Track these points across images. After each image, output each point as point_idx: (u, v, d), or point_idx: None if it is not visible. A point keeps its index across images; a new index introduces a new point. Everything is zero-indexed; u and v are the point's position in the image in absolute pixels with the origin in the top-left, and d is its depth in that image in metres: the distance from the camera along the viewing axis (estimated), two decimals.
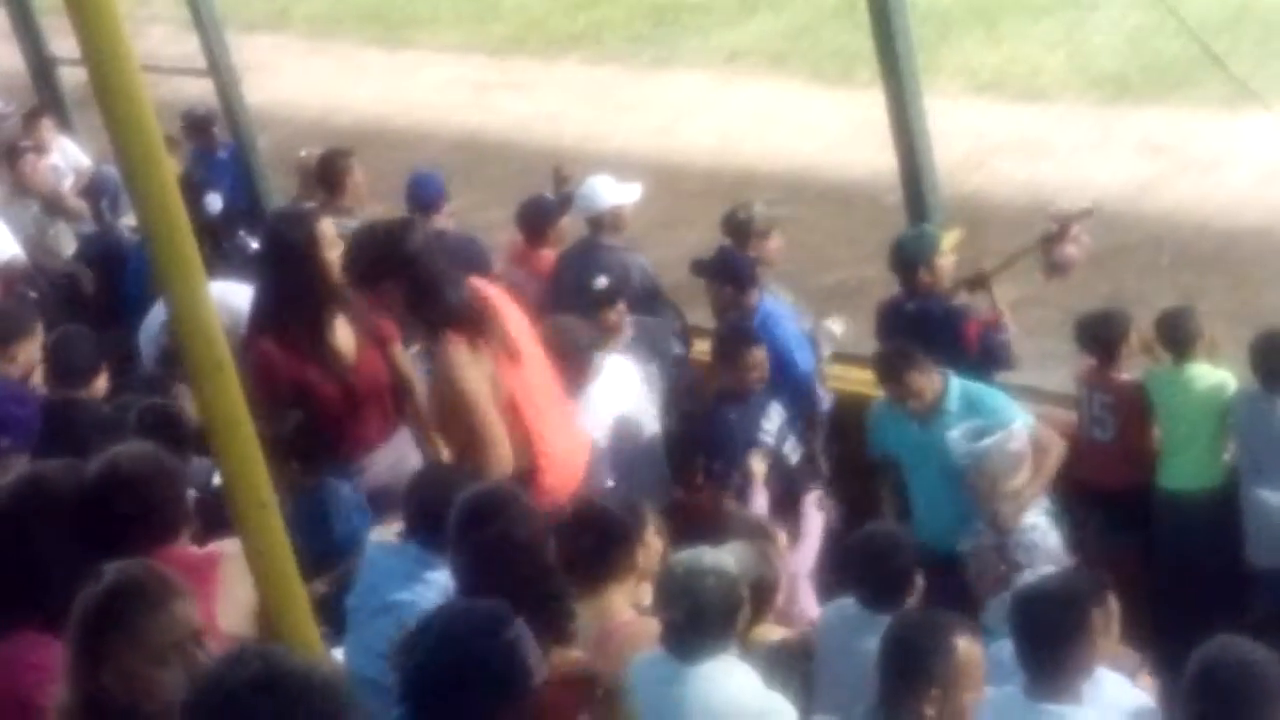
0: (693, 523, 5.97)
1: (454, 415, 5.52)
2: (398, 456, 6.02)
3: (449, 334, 5.50)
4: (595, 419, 6.87)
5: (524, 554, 4.29)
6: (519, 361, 5.73)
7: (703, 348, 8.16)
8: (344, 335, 5.91)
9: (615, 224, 8.18)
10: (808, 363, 7.57)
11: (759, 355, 7.13)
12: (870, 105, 8.41)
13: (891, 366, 6.87)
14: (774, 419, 7.17)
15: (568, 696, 3.99)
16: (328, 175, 8.56)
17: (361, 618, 5.12)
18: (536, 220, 8.53)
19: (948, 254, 7.39)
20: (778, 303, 7.70)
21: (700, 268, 7.82)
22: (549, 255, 8.43)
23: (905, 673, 4.37)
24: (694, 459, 6.79)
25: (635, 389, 7.23)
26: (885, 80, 7.58)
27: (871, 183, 10.63)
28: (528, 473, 5.59)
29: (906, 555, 5.45)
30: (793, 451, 7.23)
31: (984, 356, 7.13)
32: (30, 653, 3.84)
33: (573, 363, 6.93)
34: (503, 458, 5.47)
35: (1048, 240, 7.16)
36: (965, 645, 4.38)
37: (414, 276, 5.52)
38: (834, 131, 12.44)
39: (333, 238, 5.82)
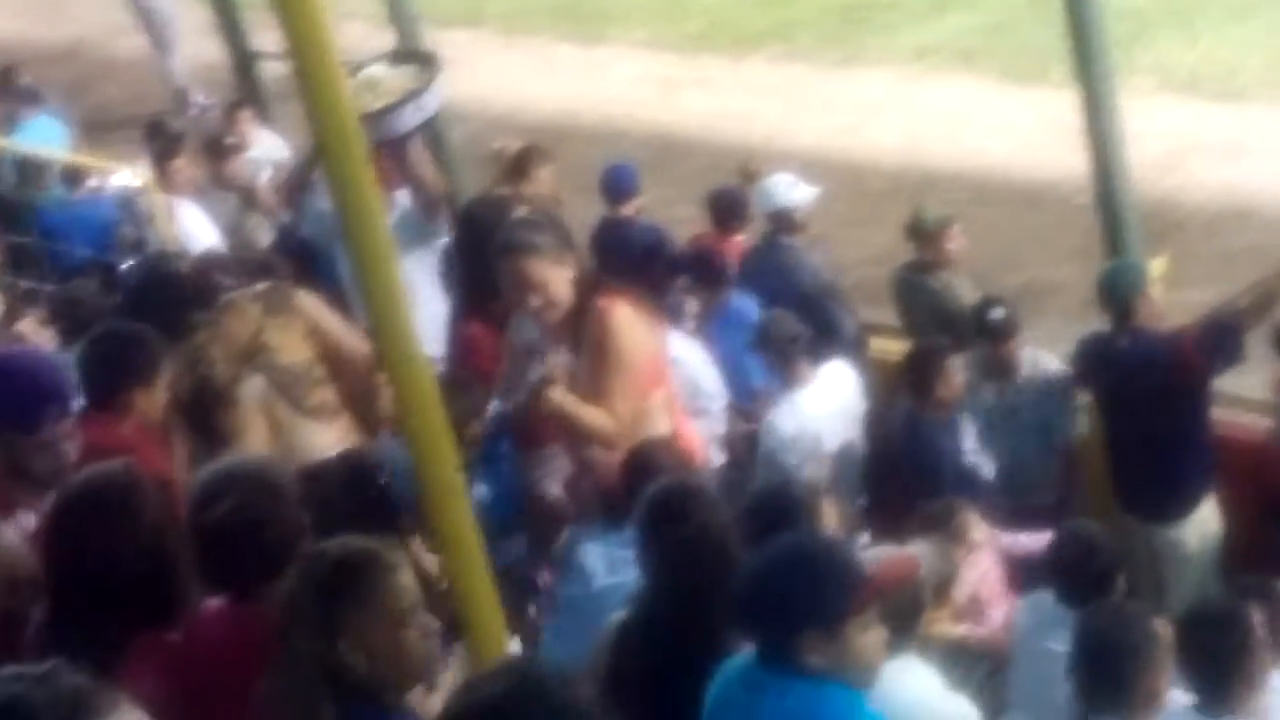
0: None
1: (597, 370, 5.36)
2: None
3: (613, 296, 5.43)
4: (807, 418, 6.90)
5: (717, 548, 4.30)
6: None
7: (881, 346, 8.15)
8: None
9: (793, 223, 8.20)
10: (757, 377, 7.43)
11: (958, 371, 7.05)
12: (1062, 105, 8.29)
13: None
14: (969, 435, 7.10)
15: None
16: (521, 167, 8.69)
17: (569, 605, 5.20)
18: (726, 208, 8.60)
19: (1156, 283, 7.21)
20: (747, 308, 7.62)
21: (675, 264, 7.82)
22: (739, 242, 8.50)
23: (1106, 667, 4.34)
24: (896, 485, 6.73)
25: (851, 393, 7.23)
26: (1078, 79, 7.48)
27: (1062, 184, 10.46)
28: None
29: (1109, 554, 5.42)
30: (985, 465, 7.14)
31: (1213, 361, 6.84)
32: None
33: (780, 358, 6.99)
34: (615, 428, 5.36)
35: None
36: (1163, 633, 4.37)
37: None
38: (1025, 131, 12.27)
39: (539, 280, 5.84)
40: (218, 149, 10.79)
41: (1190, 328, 6.95)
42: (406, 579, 3.46)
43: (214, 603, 3.96)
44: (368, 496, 4.60)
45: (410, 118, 6.98)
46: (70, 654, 3.42)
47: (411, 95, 6.90)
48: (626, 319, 5.35)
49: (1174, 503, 6.97)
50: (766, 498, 5.10)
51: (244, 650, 3.56)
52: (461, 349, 6.39)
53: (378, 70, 7.17)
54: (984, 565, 6.27)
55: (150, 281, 6.68)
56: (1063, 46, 7.63)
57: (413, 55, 7.60)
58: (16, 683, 2.08)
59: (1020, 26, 13.80)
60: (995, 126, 12.65)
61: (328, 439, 5.59)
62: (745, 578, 3.77)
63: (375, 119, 6.62)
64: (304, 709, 3.38)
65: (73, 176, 11.23)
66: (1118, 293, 7.03)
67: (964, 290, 7.96)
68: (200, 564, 3.98)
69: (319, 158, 7.82)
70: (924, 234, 7.90)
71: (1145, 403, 6.84)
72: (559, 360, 5.40)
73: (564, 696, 2.77)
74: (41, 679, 2.10)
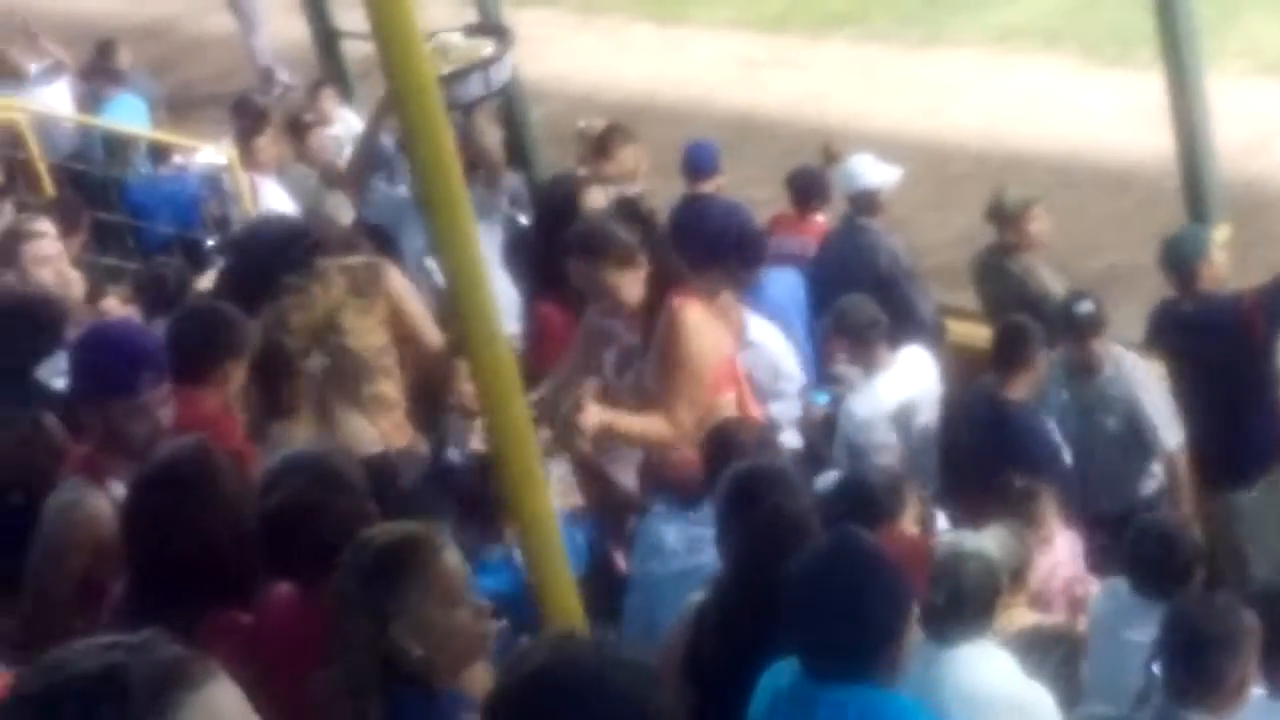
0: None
1: (665, 372, 5.35)
2: None
3: (685, 295, 5.41)
4: (884, 403, 6.88)
5: (796, 530, 4.29)
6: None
7: (962, 330, 8.09)
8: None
9: (873, 205, 8.16)
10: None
11: (1043, 354, 7.00)
12: (1148, 86, 8.21)
13: None
14: (1050, 422, 7.05)
15: None
16: (604, 147, 8.70)
17: (648, 583, 5.22)
18: (805, 188, 8.59)
19: (1220, 250, 7.20)
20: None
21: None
22: (821, 222, 8.48)
23: (1198, 660, 4.31)
24: (977, 466, 6.68)
25: (929, 377, 7.20)
26: (1165, 61, 7.40)
27: (1147, 166, 10.35)
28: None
29: (1190, 547, 5.38)
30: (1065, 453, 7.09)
31: (1276, 322, 6.85)
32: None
33: (858, 343, 6.96)
34: (672, 433, 5.35)
35: None
36: (1252, 624, 4.33)
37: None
38: (1109, 113, 12.14)
39: (599, 204, 5.87)
40: (298, 126, 10.87)
41: (1252, 291, 6.97)
42: (454, 559, 3.45)
43: (283, 588, 3.99)
44: (385, 499, 4.57)
45: (475, 87, 7.02)
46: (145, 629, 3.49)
47: (480, 65, 6.93)
48: (697, 322, 5.34)
49: (1248, 466, 6.99)
50: (853, 485, 5.09)
51: (307, 638, 3.57)
52: (536, 329, 6.40)
53: (451, 39, 7.21)
54: (1059, 555, 6.23)
55: (259, 238, 6.73)
56: (1147, 27, 7.55)
57: (488, 29, 7.63)
58: (113, 650, 2.09)
59: (1104, 7, 13.66)
60: (1078, 108, 12.53)
61: (371, 434, 5.57)
62: (810, 596, 3.64)
63: (441, 84, 6.65)
64: (359, 697, 3.39)
65: (158, 154, 11.35)
66: (1181, 258, 7.11)
67: (1045, 274, 7.88)
68: (262, 550, 4.00)
69: (378, 128, 7.95)
70: (1005, 215, 7.81)
71: (1211, 366, 6.95)
72: (589, 387, 5.39)
73: (610, 668, 2.70)
74: (138, 647, 2.10)
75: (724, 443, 5.05)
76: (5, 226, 8.58)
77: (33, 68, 13.52)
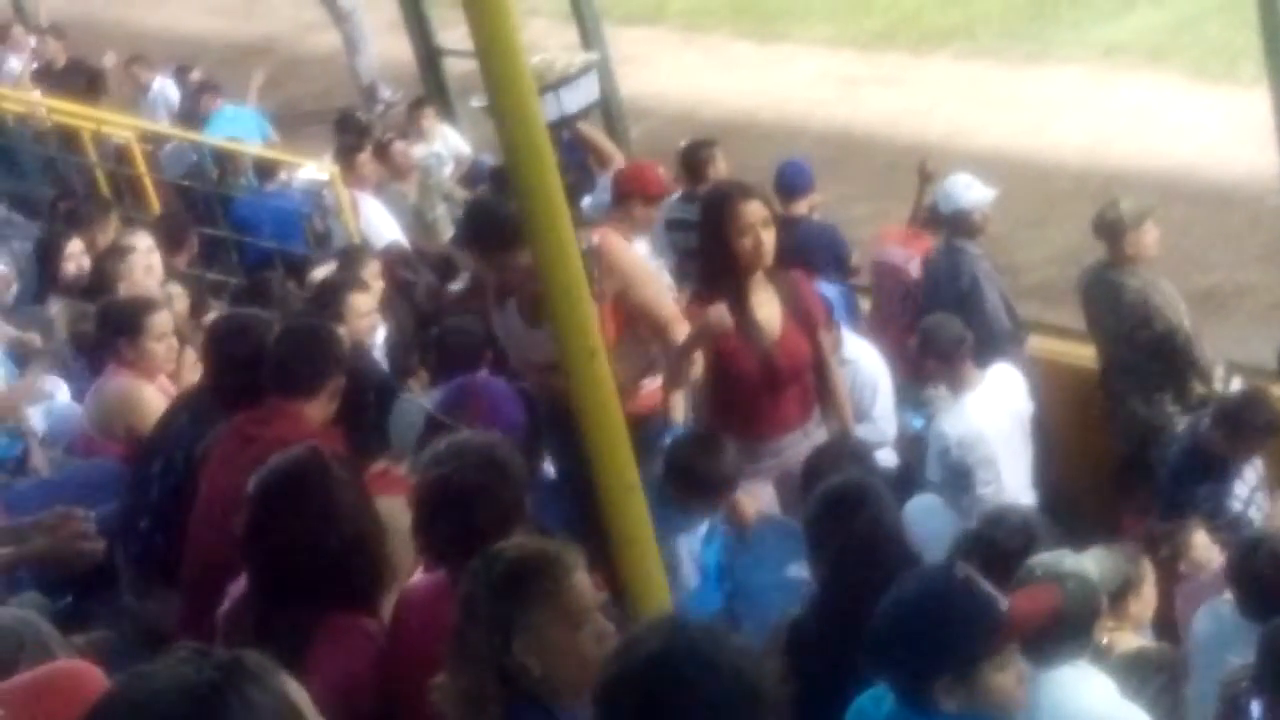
0: None
1: (630, 301, 5.77)
2: (812, 444, 6.03)
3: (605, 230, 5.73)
4: (973, 421, 6.83)
5: (887, 545, 4.27)
6: None
7: (1059, 348, 8.02)
8: (769, 313, 6.01)
9: (968, 226, 8.11)
10: None
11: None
12: (1253, 104, 8.11)
13: None
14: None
15: None
16: (690, 163, 8.76)
17: (751, 591, 5.23)
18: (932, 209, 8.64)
19: None
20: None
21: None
22: (925, 243, 8.48)
23: None
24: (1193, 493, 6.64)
25: (1017, 395, 7.15)
26: (1271, 77, 7.32)
27: (1252, 184, 10.24)
28: None
29: None
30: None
31: None
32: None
33: (945, 362, 6.93)
34: (682, 330, 5.76)
35: None
36: None
37: None
38: (1214, 131, 12.00)
39: (760, 218, 5.91)
40: (378, 145, 11.07)
41: None
42: (584, 580, 3.43)
43: (425, 580, 3.99)
44: None
45: (548, 110, 7.12)
46: (266, 633, 3.54)
47: (550, 87, 7.04)
48: (620, 244, 5.83)
49: None
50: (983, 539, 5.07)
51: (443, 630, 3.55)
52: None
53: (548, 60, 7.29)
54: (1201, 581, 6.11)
55: None
56: (1253, 44, 7.46)
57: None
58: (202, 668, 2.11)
59: (1209, 24, 13.51)
60: (1183, 125, 12.39)
61: None
62: (879, 618, 3.63)
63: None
64: (475, 707, 3.38)
65: (264, 170, 11.50)
66: None
67: (1165, 288, 7.75)
68: (415, 531, 4.04)
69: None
70: (1118, 228, 7.70)
71: None
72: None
73: (722, 651, 2.74)
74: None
75: (820, 465, 5.07)
76: (108, 243, 8.76)
77: (155, 82, 13.79)
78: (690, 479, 5.57)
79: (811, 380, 6.09)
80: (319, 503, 3.97)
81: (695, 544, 5.49)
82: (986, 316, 7.96)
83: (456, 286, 8.56)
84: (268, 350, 5.24)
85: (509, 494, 3.94)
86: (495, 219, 5.62)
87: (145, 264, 8.12)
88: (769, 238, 5.89)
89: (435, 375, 7.01)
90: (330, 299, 7.21)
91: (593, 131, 9.13)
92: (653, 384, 6.04)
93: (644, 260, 6.24)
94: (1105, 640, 4.97)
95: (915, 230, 8.66)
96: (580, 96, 7.24)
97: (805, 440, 6.03)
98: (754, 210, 5.91)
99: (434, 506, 3.98)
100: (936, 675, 3.54)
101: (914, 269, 8.44)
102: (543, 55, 7.33)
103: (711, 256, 6.04)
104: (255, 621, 3.86)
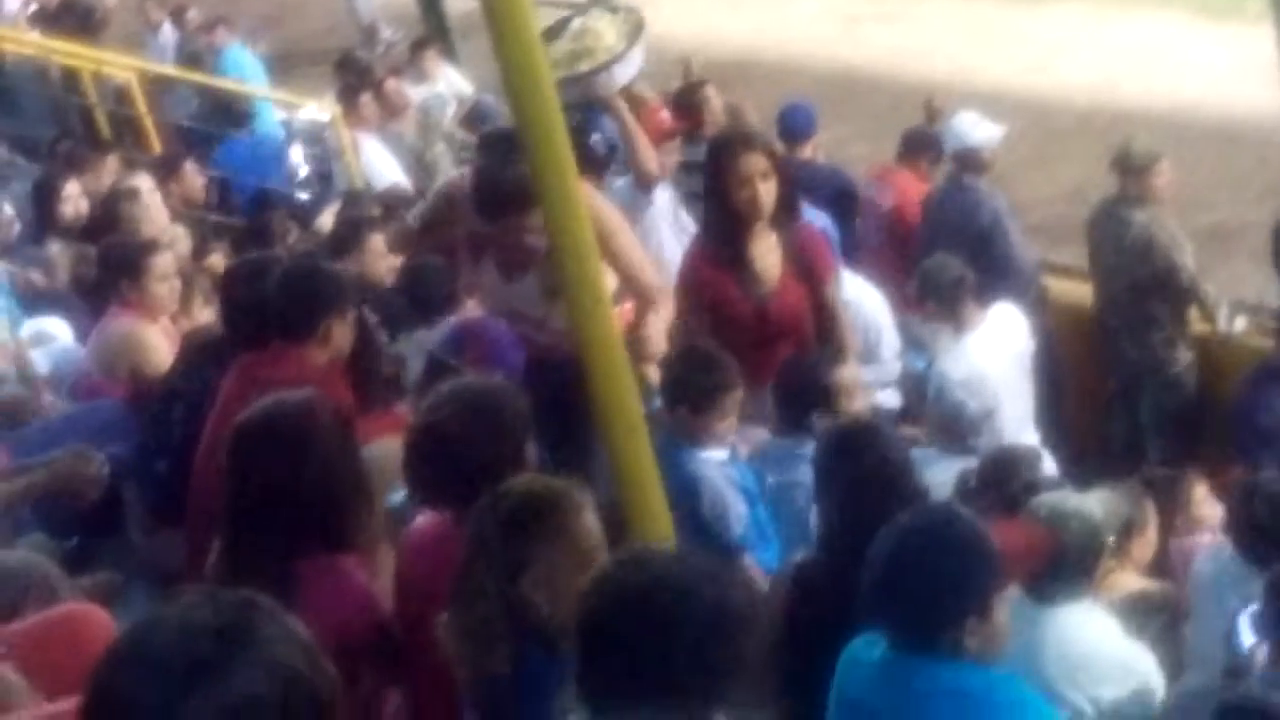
0: None
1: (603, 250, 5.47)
2: None
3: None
4: (975, 362, 6.81)
5: (895, 483, 4.29)
6: None
7: (1064, 287, 8.01)
8: (768, 263, 5.95)
9: (977, 163, 8.10)
10: None
11: None
12: (1260, 40, 8.07)
13: None
14: None
15: None
16: (686, 107, 8.71)
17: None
18: (912, 143, 8.58)
19: None
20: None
21: None
22: (907, 178, 8.45)
23: None
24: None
25: (1019, 335, 7.13)
26: (1276, 14, 7.27)
27: (1258, 122, 10.20)
28: None
29: None
30: None
31: None
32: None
33: (946, 303, 6.91)
34: (650, 279, 5.72)
35: None
36: None
37: None
38: (1220, 68, 11.95)
39: (760, 170, 5.87)
40: (380, 86, 11.00)
41: None
42: (592, 520, 3.44)
43: (428, 522, 4.01)
44: None
45: (619, 75, 7.06)
46: (246, 575, 3.54)
47: (617, 57, 6.98)
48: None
49: None
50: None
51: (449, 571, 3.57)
52: (683, 273, 6.46)
53: (588, 24, 7.19)
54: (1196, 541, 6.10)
55: None
56: None
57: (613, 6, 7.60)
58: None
59: None
60: (1189, 64, 12.34)
61: None
62: (891, 564, 3.58)
63: (584, 80, 6.94)
64: (482, 644, 3.39)
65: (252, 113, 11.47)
66: None
67: (1171, 226, 7.75)
68: (404, 474, 4.05)
69: None
70: (1132, 166, 7.69)
71: None
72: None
73: (698, 579, 2.76)
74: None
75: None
76: (109, 185, 8.74)
77: (165, 23, 13.72)
78: (700, 396, 5.35)
79: (811, 334, 6.03)
80: (292, 447, 3.94)
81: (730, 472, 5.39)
82: (1013, 251, 7.95)
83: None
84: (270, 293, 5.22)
85: (499, 441, 3.92)
86: (501, 185, 5.54)
87: (152, 204, 8.11)
88: (768, 189, 5.83)
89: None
90: (349, 239, 7.16)
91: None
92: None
93: (616, 210, 6.14)
94: (1108, 581, 4.99)
95: (889, 165, 8.66)
96: (630, 69, 7.16)
97: None
98: (754, 162, 5.86)
99: (420, 451, 3.99)
100: (962, 616, 3.52)
101: (885, 200, 8.43)
102: (582, 21, 7.18)
103: (711, 206, 6.02)
104: (231, 569, 3.86)
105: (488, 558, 3.41)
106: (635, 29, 7.15)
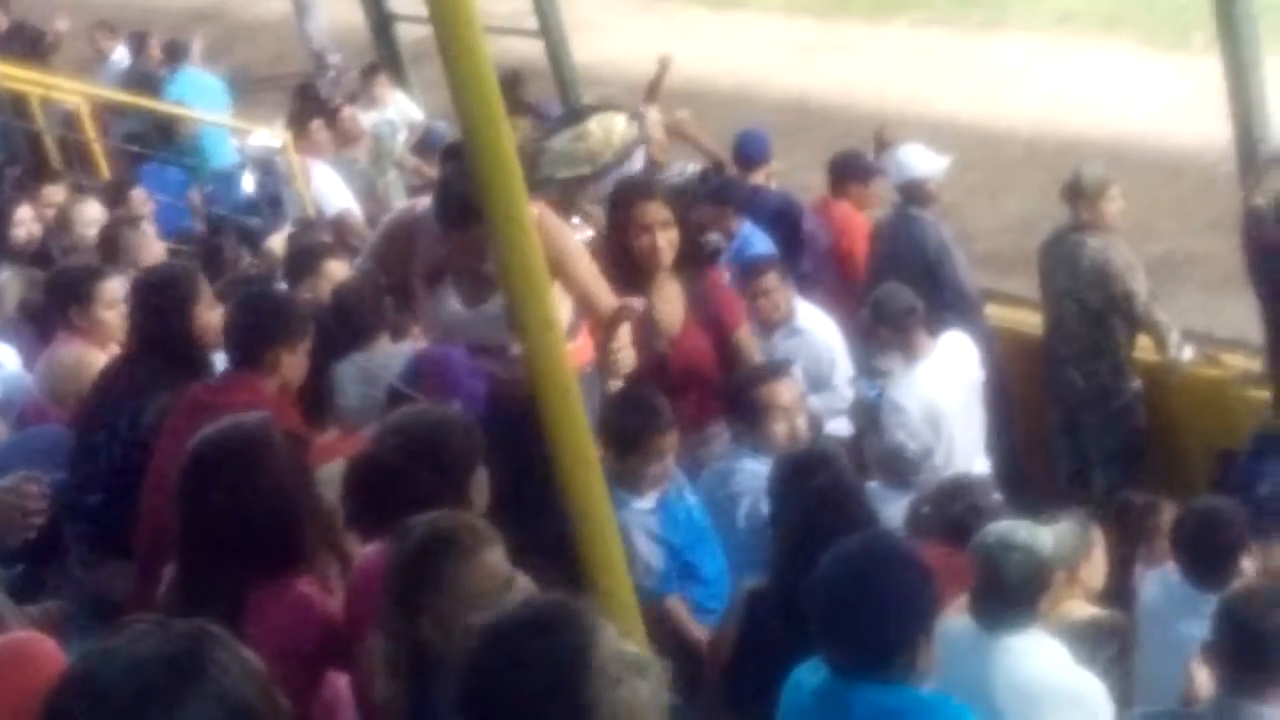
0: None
1: (562, 275, 5.28)
2: (710, 451, 5.95)
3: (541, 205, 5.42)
4: (926, 391, 6.83)
5: (853, 500, 4.31)
6: None
7: (1013, 316, 8.04)
8: (670, 312, 5.90)
9: (923, 195, 8.13)
10: None
11: None
12: (1205, 71, 8.14)
13: None
14: None
15: None
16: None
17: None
18: (839, 171, 8.61)
19: None
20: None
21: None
22: (845, 209, 8.48)
23: (1251, 655, 4.27)
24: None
25: (969, 363, 7.14)
26: (1223, 45, 7.34)
27: (1203, 153, 10.29)
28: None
29: (1234, 530, 5.30)
30: None
31: None
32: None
33: (898, 331, 6.93)
34: (612, 301, 5.42)
35: None
36: None
37: None
38: (1166, 98, 12.06)
39: (660, 219, 5.85)
40: (336, 112, 10.98)
41: None
42: (494, 557, 3.40)
43: (375, 549, 3.97)
44: None
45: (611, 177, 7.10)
46: (199, 602, 3.52)
47: (617, 161, 7.00)
48: (544, 212, 5.38)
49: None
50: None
51: None
52: None
53: (598, 126, 7.19)
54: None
55: None
56: (1206, 11, 7.48)
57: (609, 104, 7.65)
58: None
59: None
60: (1136, 94, 12.45)
61: None
62: (836, 592, 3.60)
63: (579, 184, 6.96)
64: (387, 678, 3.40)
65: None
66: None
67: (1125, 252, 7.77)
68: (349, 501, 4.06)
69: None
70: (1083, 193, 7.73)
71: None
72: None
73: (536, 645, 2.60)
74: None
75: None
76: (57, 210, 8.68)
77: (116, 51, 13.67)
78: (626, 439, 5.26)
79: (717, 383, 5.95)
80: (245, 474, 3.93)
81: (650, 522, 5.37)
82: (959, 280, 7.98)
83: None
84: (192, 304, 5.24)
85: (440, 475, 3.93)
86: (467, 192, 5.50)
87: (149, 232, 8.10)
88: (668, 238, 5.80)
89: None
90: (306, 265, 7.12)
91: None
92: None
93: (572, 234, 6.11)
94: (1058, 610, 5.00)
95: (826, 198, 8.70)
96: (634, 164, 7.21)
97: (702, 446, 5.91)
98: (653, 211, 5.84)
99: (360, 482, 4.02)
100: (914, 638, 3.57)
101: (821, 234, 8.46)
102: (587, 126, 7.18)
103: (612, 254, 5.87)
104: (185, 596, 3.84)
105: (390, 595, 3.43)
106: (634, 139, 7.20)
